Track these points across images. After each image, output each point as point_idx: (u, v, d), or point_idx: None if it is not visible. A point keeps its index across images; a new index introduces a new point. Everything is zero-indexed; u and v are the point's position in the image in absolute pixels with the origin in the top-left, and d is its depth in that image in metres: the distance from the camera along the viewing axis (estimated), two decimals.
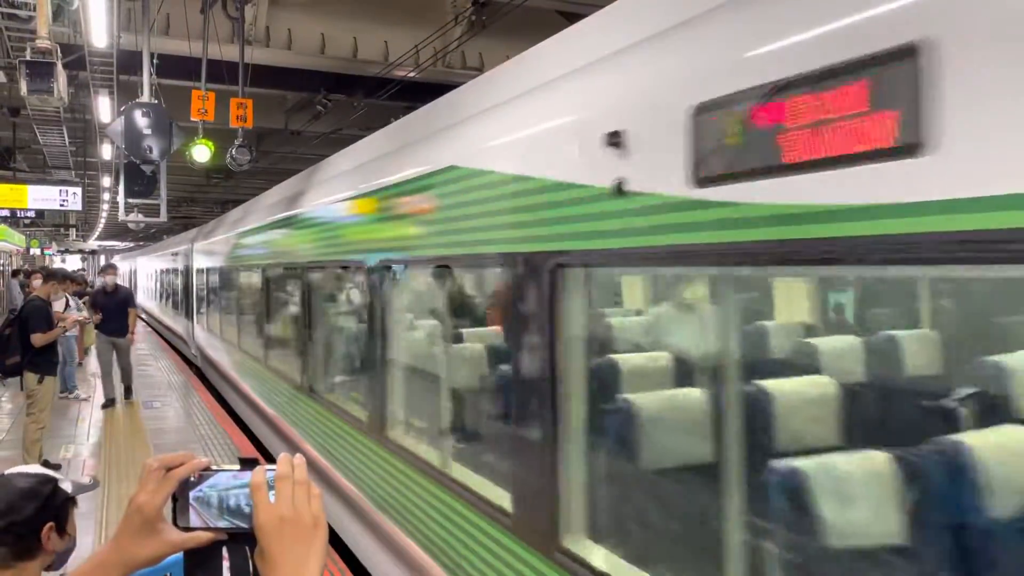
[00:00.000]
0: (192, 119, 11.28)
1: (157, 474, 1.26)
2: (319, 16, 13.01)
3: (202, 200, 34.92)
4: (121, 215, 13.63)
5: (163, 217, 13.61)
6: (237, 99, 11.68)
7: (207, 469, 1.28)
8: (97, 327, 12.76)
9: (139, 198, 12.92)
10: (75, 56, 9.62)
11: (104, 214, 34.32)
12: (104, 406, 12.45)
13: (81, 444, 10.25)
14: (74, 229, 37.36)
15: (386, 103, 14.50)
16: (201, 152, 11.70)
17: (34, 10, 6.99)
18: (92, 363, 16.74)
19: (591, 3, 10.76)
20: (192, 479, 1.27)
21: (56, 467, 9.01)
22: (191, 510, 1.26)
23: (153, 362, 18.27)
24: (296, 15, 12.92)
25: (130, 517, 1.26)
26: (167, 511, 1.27)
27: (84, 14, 7.98)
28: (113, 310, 12.67)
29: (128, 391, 13.28)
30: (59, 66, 7.18)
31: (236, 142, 12.34)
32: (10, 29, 7.99)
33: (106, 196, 26.59)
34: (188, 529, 1.26)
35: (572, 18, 12.16)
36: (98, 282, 13.42)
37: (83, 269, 50.22)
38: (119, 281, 13.96)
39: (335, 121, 16.38)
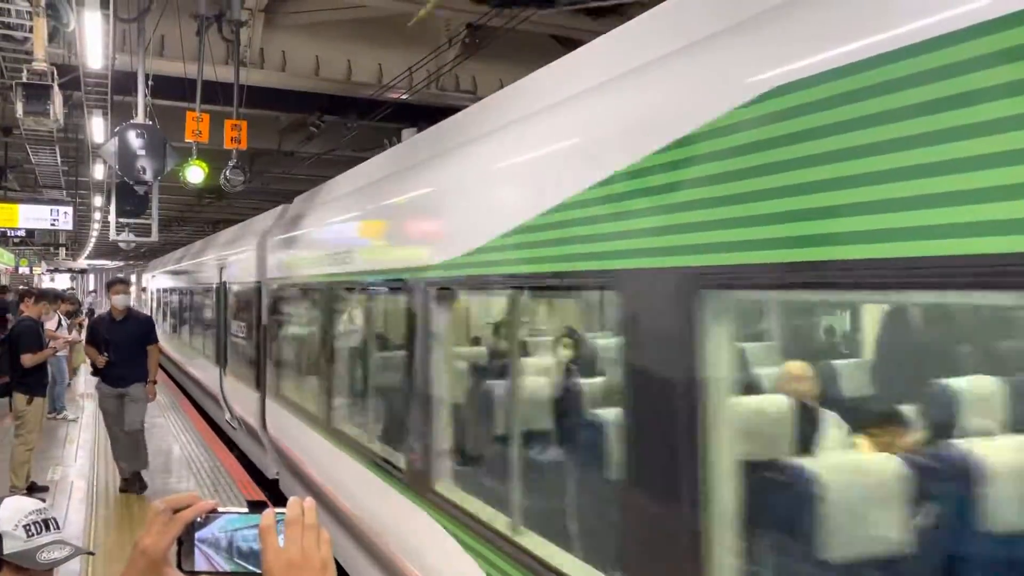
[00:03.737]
0: (187, 140, 11.28)
1: (164, 516, 1.25)
2: (314, 38, 13.07)
3: (193, 220, 34.85)
4: (112, 235, 13.61)
5: (154, 237, 13.60)
6: (231, 121, 11.70)
7: (214, 511, 1.27)
8: (99, 373, 9.03)
9: (130, 218, 12.90)
10: (70, 77, 9.62)
11: (95, 233, 34.19)
12: (123, 489, 8.84)
13: (69, 466, 10.15)
14: (64, 248, 37.18)
15: (379, 124, 14.54)
16: (195, 173, 11.69)
17: (30, 31, 7.00)
18: (81, 383, 16.63)
19: (584, 28, 10.89)
20: (199, 520, 1.26)
21: (43, 489, 8.91)
22: (197, 553, 1.25)
23: None
24: (291, 37, 12.98)
25: (135, 561, 1.25)
26: (172, 554, 1.26)
27: (80, 35, 7.99)
28: (124, 347, 8.82)
29: (138, 480, 8.89)
30: (55, 88, 7.19)
31: (230, 163, 12.35)
32: (5, 50, 7.98)
33: (97, 215, 26.49)
34: (194, 573, 1.25)
35: (565, 43, 12.24)
36: (88, 301, 9.69)
37: (72, 288, 49.91)
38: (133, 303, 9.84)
39: (328, 142, 16.42)
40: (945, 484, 2.59)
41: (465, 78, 13.65)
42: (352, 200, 6.78)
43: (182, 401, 16.20)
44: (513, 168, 3.73)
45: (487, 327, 5.01)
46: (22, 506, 2.23)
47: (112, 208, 13.11)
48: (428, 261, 4.46)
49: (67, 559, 2.20)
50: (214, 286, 13.98)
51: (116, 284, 9.31)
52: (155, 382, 9.17)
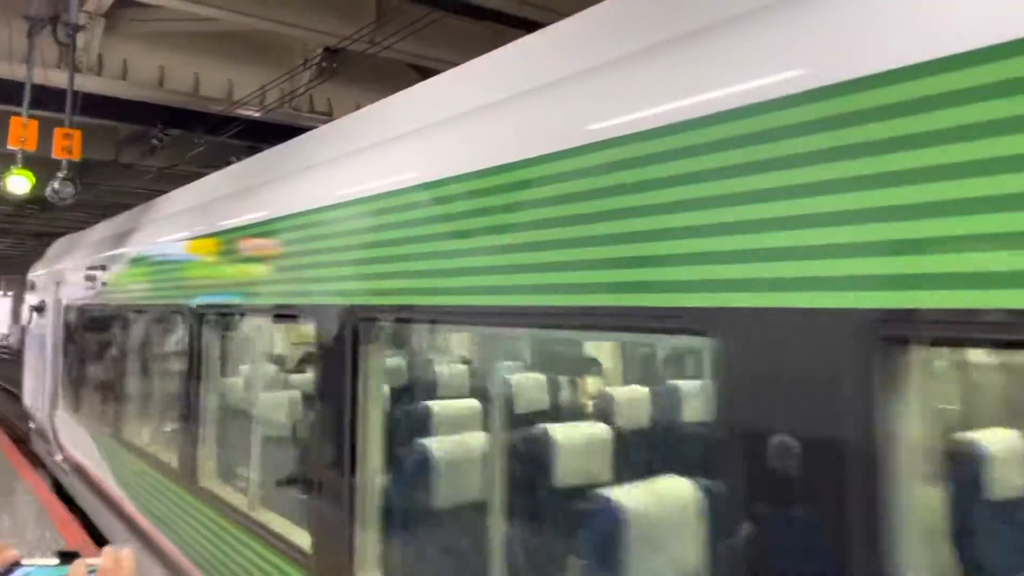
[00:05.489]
0: (10, 147, 10.44)
1: None
2: (158, 48, 12.49)
3: (13, 231, 32.27)
4: None
5: None
6: (63, 129, 10.91)
7: (17, 563, 1.15)
8: None
9: None
10: None
11: None
12: None
13: None
14: None
15: (228, 141, 14.04)
16: (18, 183, 10.77)
17: None
18: None
19: (442, 59, 10.99)
20: (1, 572, 1.15)
21: None
22: None
23: None
24: (133, 46, 12.34)
25: None
26: None
27: None
28: None
29: None
30: None
31: (59, 174, 11.47)
32: None
33: None
34: None
35: (424, 72, 12.31)
36: None
37: None
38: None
39: (172, 156, 15.66)
40: None
41: (320, 100, 13.44)
42: None
43: None
44: None
45: None
46: None
47: None
48: None
49: None
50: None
51: None
52: None
